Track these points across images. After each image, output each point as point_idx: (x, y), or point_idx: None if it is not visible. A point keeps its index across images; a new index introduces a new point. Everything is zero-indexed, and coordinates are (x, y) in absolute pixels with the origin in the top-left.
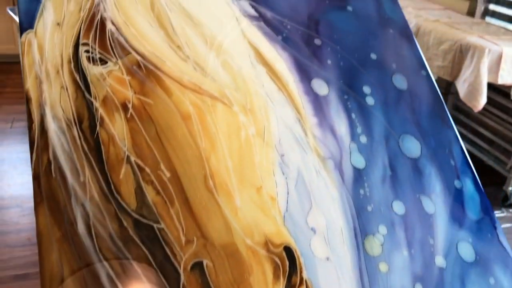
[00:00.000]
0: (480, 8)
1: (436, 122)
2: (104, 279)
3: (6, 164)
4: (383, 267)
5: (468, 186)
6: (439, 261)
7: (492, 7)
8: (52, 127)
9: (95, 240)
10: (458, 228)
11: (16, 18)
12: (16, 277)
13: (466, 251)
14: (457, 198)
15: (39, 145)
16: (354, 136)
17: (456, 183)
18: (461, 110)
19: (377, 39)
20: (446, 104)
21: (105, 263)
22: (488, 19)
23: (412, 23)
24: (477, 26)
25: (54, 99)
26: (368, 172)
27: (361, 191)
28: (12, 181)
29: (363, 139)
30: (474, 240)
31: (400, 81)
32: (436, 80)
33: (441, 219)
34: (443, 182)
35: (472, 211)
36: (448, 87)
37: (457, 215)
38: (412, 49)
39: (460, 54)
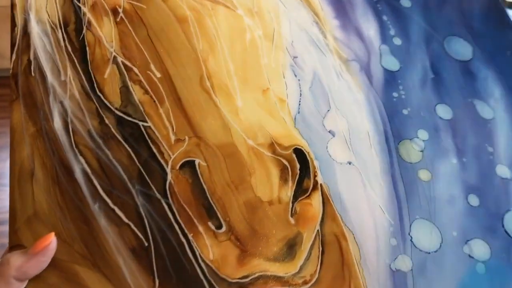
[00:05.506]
0: None
1: (492, 24)
2: (79, 175)
3: None
4: (424, 175)
5: None
6: (502, 170)
7: None
8: (35, 30)
9: (71, 136)
10: None
11: None
12: None
13: None
14: None
15: (20, 46)
16: (385, 38)
17: None
18: None
19: None
20: None
21: (80, 158)
22: None
23: None
24: None
25: (40, 5)
26: (404, 74)
27: (395, 94)
28: None
29: (397, 41)
30: None
31: None
32: None
33: (503, 125)
34: (503, 86)
35: None
36: None
37: None
38: None
39: None
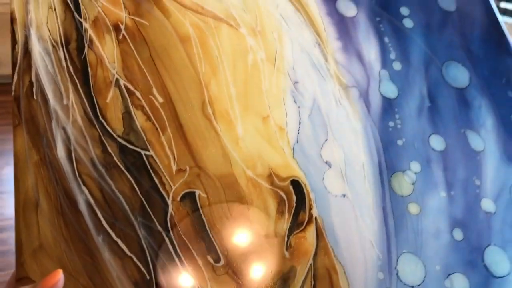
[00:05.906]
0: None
1: (490, 48)
2: (82, 206)
3: None
4: (413, 208)
5: None
6: (487, 205)
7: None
8: (36, 48)
9: (75, 165)
10: None
11: None
12: None
13: None
14: None
15: (21, 66)
16: (385, 62)
17: None
18: None
19: None
20: None
21: (84, 188)
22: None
23: None
24: None
25: (41, 20)
26: (401, 102)
27: (391, 123)
28: None
29: (397, 65)
30: None
31: (447, 1)
32: None
33: (492, 157)
34: (496, 116)
35: None
36: None
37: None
38: None
39: None
